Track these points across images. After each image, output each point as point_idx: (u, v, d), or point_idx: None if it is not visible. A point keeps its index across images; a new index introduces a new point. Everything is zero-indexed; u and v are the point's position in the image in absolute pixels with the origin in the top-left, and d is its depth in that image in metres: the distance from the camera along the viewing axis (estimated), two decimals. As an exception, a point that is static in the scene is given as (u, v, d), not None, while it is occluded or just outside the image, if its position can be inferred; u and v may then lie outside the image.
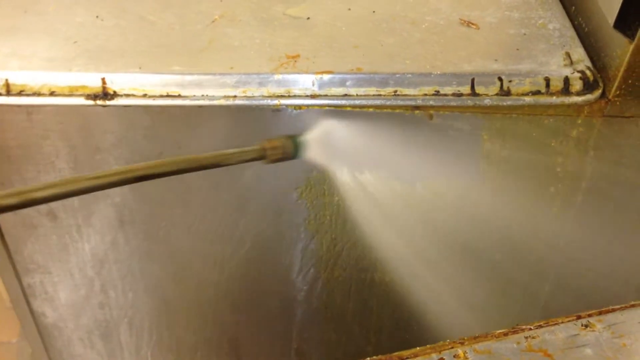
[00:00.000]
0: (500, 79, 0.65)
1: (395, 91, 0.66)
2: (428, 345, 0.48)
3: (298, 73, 0.66)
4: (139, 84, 0.66)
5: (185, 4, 0.76)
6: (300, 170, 0.74)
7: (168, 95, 0.66)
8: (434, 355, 0.47)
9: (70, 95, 0.67)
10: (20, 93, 0.67)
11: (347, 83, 0.66)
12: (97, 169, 0.75)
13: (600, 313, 0.50)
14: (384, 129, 0.69)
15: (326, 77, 0.66)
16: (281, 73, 0.66)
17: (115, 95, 0.66)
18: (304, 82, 0.66)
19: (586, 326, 0.49)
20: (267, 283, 0.87)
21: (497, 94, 0.65)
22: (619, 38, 0.63)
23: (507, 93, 0.65)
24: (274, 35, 0.71)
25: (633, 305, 0.50)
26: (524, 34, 0.70)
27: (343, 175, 0.73)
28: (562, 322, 0.49)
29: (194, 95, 0.66)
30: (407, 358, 0.47)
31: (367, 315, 0.88)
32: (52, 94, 0.67)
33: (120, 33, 0.71)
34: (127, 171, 0.57)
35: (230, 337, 0.93)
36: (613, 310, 0.50)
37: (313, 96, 0.66)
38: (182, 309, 0.91)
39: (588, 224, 0.75)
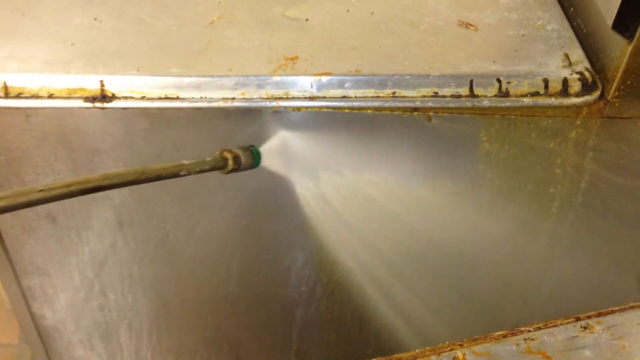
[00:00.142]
0: (498, 81, 0.65)
1: (394, 93, 0.66)
2: (427, 348, 0.48)
3: (297, 75, 0.66)
4: (137, 86, 0.66)
5: (184, 6, 0.76)
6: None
7: (166, 98, 0.66)
8: (433, 358, 0.47)
9: (69, 97, 0.67)
10: (18, 96, 0.67)
11: (346, 85, 0.66)
12: (95, 171, 0.75)
13: (599, 315, 0.50)
14: (388, 128, 0.70)
15: (325, 78, 0.66)
16: (280, 75, 0.66)
17: (113, 97, 0.66)
18: (303, 84, 0.66)
19: (585, 328, 0.48)
20: (267, 285, 0.87)
21: (495, 96, 0.65)
22: (617, 39, 0.63)
23: (506, 94, 0.65)
24: (273, 37, 0.71)
25: (632, 307, 0.50)
26: (523, 35, 0.70)
27: (303, 183, 0.74)
28: (561, 324, 0.49)
29: (193, 97, 0.66)
30: (406, 360, 0.47)
31: (367, 317, 0.88)
32: (50, 96, 0.67)
33: (118, 35, 0.71)
34: (83, 182, 0.56)
35: (230, 338, 0.93)
36: (612, 312, 0.50)
37: (312, 98, 0.66)
38: (181, 311, 0.91)
39: (587, 225, 0.75)
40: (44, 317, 0.91)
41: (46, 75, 0.66)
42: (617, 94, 0.65)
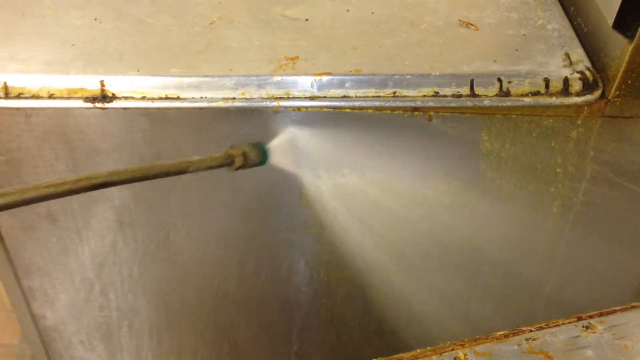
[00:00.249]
0: (499, 80, 0.65)
1: (395, 92, 0.65)
2: (429, 348, 0.48)
3: (297, 75, 0.66)
4: (138, 87, 0.66)
5: (183, 6, 0.76)
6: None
7: (167, 98, 0.66)
8: (435, 358, 0.47)
9: (69, 98, 0.66)
10: (18, 96, 0.67)
11: (346, 84, 0.66)
12: (96, 171, 0.74)
13: (601, 314, 0.50)
14: (389, 128, 0.70)
15: (325, 78, 0.66)
16: (280, 75, 0.66)
17: (113, 97, 0.66)
18: (303, 84, 0.66)
19: (587, 328, 0.48)
20: (268, 285, 0.86)
21: (496, 95, 0.65)
22: (618, 38, 0.63)
23: (507, 94, 0.65)
24: (273, 37, 0.71)
25: (634, 307, 0.50)
26: (523, 35, 0.70)
27: (312, 180, 0.74)
28: (563, 324, 0.49)
29: (193, 98, 0.66)
30: (408, 360, 0.47)
31: (368, 318, 0.88)
32: (50, 96, 0.67)
33: (118, 36, 0.71)
34: (85, 179, 0.57)
35: (230, 339, 0.93)
36: (614, 312, 0.50)
37: (312, 98, 0.66)
38: (182, 311, 0.90)
39: (588, 225, 0.75)
40: (44, 318, 0.91)
41: (46, 76, 0.66)
42: (618, 93, 0.64)
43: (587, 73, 0.65)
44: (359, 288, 0.85)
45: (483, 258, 0.79)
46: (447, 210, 0.76)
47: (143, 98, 0.66)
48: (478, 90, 0.65)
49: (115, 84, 0.66)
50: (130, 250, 0.83)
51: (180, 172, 0.62)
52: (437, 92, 0.65)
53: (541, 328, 0.48)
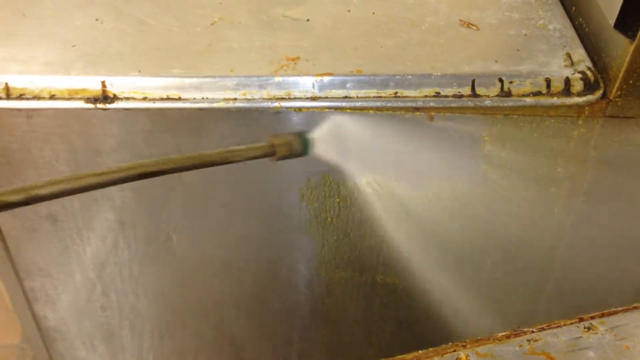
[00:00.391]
0: (500, 80, 0.65)
1: (396, 93, 0.65)
2: (430, 349, 0.48)
3: (298, 75, 0.66)
4: (139, 87, 0.66)
5: (185, 7, 0.76)
6: (302, 172, 0.74)
7: (168, 98, 0.66)
8: (437, 359, 0.47)
9: (70, 98, 0.66)
10: (20, 97, 0.67)
11: (348, 85, 0.65)
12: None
13: (602, 315, 0.50)
14: (391, 128, 0.69)
15: (326, 79, 0.66)
16: (281, 75, 0.66)
17: (115, 98, 0.66)
18: (304, 84, 0.66)
19: (589, 329, 0.48)
20: (269, 285, 0.87)
21: (497, 95, 0.65)
22: (619, 38, 0.63)
23: (508, 94, 0.65)
24: (274, 38, 0.71)
25: (635, 307, 0.50)
26: (525, 35, 0.70)
27: (350, 174, 0.73)
28: (565, 325, 0.49)
29: (194, 98, 0.66)
30: (409, 361, 0.47)
31: (369, 318, 0.88)
32: (52, 97, 0.67)
33: (119, 36, 0.71)
34: (135, 167, 0.57)
35: (231, 339, 0.93)
36: (615, 313, 0.50)
37: (313, 98, 0.66)
38: (183, 311, 0.91)
39: (589, 225, 0.75)
40: (46, 318, 0.91)
41: (47, 77, 0.66)
42: (619, 93, 0.64)
43: (589, 73, 0.65)
44: (360, 288, 0.85)
45: (484, 258, 0.79)
46: (447, 209, 0.76)
47: (144, 99, 0.66)
48: (479, 90, 0.65)
49: (117, 85, 0.66)
50: (132, 250, 0.83)
51: (225, 162, 0.62)
52: (439, 93, 0.65)
53: (543, 329, 0.48)
